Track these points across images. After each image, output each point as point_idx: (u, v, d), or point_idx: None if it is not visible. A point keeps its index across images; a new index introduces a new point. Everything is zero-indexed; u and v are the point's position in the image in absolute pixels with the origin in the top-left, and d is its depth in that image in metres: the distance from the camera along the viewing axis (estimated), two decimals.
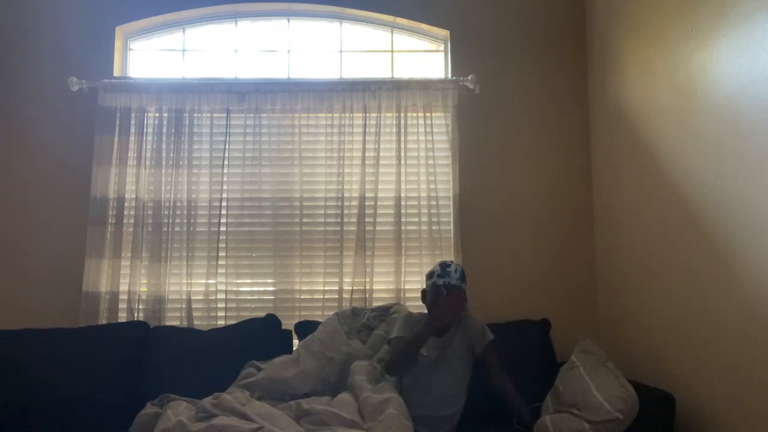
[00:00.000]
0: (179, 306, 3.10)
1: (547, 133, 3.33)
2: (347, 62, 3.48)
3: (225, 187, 3.20)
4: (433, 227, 3.17)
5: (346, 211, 3.17)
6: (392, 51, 3.52)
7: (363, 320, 2.78)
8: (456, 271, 2.42)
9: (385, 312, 2.81)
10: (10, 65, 3.26)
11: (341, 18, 3.50)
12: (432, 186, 3.20)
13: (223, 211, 3.18)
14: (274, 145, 3.26)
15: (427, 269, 3.12)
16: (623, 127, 2.95)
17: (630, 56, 2.89)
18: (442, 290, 2.38)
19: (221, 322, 3.07)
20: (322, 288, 3.15)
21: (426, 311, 2.52)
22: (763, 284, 1.99)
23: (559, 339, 2.98)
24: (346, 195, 3.19)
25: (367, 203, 3.17)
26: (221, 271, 3.14)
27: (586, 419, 2.19)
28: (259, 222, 3.21)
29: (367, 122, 3.23)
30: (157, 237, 3.11)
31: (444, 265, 2.44)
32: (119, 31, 3.36)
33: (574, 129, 3.35)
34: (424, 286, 2.53)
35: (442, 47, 3.52)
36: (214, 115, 3.24)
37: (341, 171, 3.19)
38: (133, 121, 3.20)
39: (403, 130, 3.23)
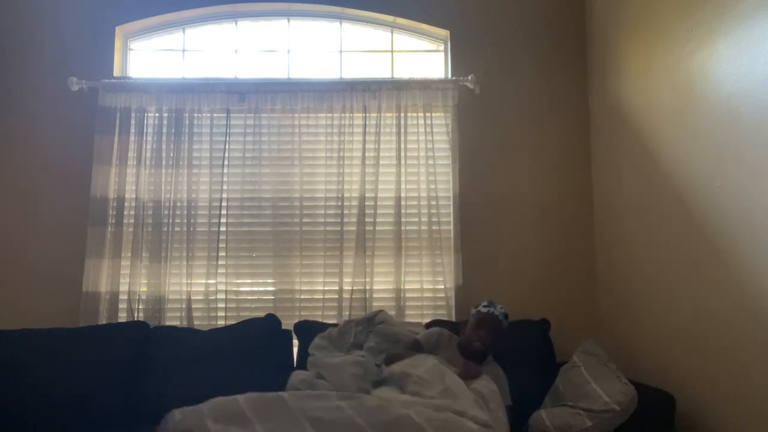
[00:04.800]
0: (179, 306, 3.10)
1: (547, 133, 3.33)
2: (347, 62, 3.48)
3: (225, 187, 3.20)
4: (433, 227, 3.17)
5: (346, 211, 3.17)
6: (392, 51, 3.52)
7: (351, 339, 2.67)
8: (502, 308, 2.58)
9: (370, 323, 2.69)
10: (10, 65, 3.26)
11: (341, 18, 3.50)
12: (432, 186, 3.20)
13: (223, 211, 3.18)
14: (274, 145, 3.25)
15: (426, 269, 3.16)
16: (623, 127, 2.95)
17: (630, 56, 2.89)
18: (485, 316, 2.52)
19: (221, 322, 3.06)
20: (322, 288, 3.15)
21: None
22: (763, 284, 1.99)
23: (559, 339, 2.98)
24: (346, 195, 3.19)
25: (367, 203, 3.17)
26: (221, 271, 3.14)
27: (582, 408, 2.21)
28: (259, 222, 3.21)
29: (367, 122, 3.23)
30: (157, 237, 3.11)
31: (492, 302, 2.60)
32: (119, 31, 3.36)
33: (574, 129, 3.35)
34: (465, 320, 2.65)
35: (442, 47, 3.52)
36: (214, 115, 3.24)
37: (341, 171, 3.19)
38: (133, 121, 3.20)
39: (403, 130, 3.23)
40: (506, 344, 2.75)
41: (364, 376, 2.31)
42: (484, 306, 2.58)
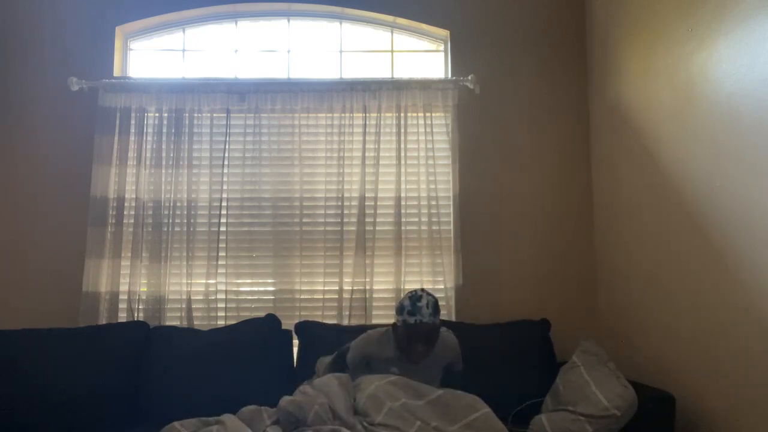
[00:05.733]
0: (179, 306, 3.10)
1: (547, 133, 3.33)
2: (347, 62, 3.48)
3: (225, 187, 3.20)
4: (433, 227, 3.17)
5: (346, 211, 3.17)
6: (392, 51, 3.52)
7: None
8: (428, 306, 2.27)
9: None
10: (10, 65, 3.26)
11: (341, 18, 3.50)
12: (432, 186, 3.20)
13: (223, 211, 3.18)
14: (274, 145, 3.25)
15: (426, 269, 3.15)
16: (623, 127, 2.95)
17: (630, 56, 2.89)
18: (415, 327, 2.26)
19: (221, 322, 3.06)
20: (322, 288, 3.15)
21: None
22: (763, 284, 1.99)
23: (559, 339, 2.98)
24: (346, 195, 3.19)
25: (367, 203, 3.17)
26: (221, 271, 3.14)
27: (582, 413, 2.20)
28: (259, 222, 3.21)
29: (367, 122, 3.23)
30: (157, 237, 3.11)
31: (414, 299, 2.29)
32: (119, 31, 3.36)
33: (574, 129, 3.35)
34: (395, 321, 2.37)
35: (442, 47, 3.52)
36: (214, 115, 3.24)
37: (341, 171, 3.19)
38: (133, 121, 3.20)
39: (403, 130, 3.23)
40: (506, 344, 2.75)
41: None
42: (409, 313, 2.25)
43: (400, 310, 2.31)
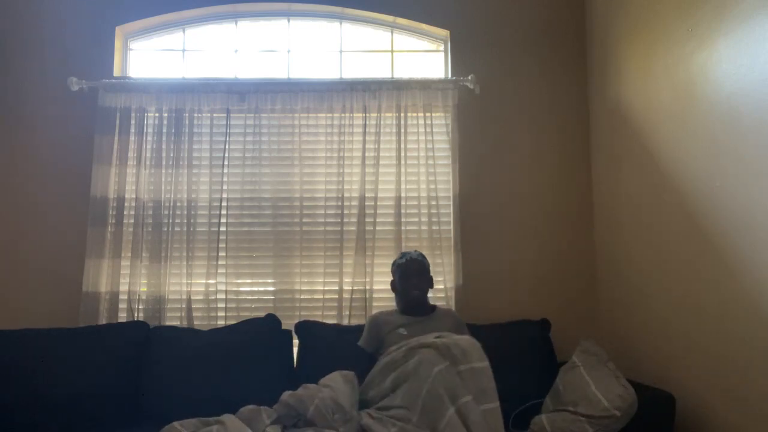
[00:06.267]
0: (179, 306, 3.10)
1: (547, 133, 3.33)
2: (347, 62, 3.48)
3: (225, 187, 3.19)
4: (433, 227, 3.17)
5: (346, 211, 3.17)
6: (392, 51, 3.52)
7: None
8: (414, 251, 2.71)
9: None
10: (10, 65, 3.26)
11: (341, 18, 3.50)
12: (432, 186, 3.20)
13: (223, 211, 3.18)
14: (274, 145, 3.25)
15: None
16: (623, 127, 2.95)
17: (630, 56, 2.89)
18: (406, 263, 2.63)
19: (221, 322, 3.06)
20: (322, 288, 3.15)
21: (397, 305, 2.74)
22: (763, 284, 1.99)
23: (559, 339, 2.98)
24: (346, 195, 3.19)
25: (367, 203, 3.17)
26: (221, 271, 3.14)
27: (582, 414, 2.20)
28: (259, 222, 3.21)
29: (367, 122, 3.23)
30: (157, 237, 3.11)
31: (403, 252, 2.74)
32: (119, 31, 3.36)
33: (574, 129, 3.35)
34: (392, 280, 2.74)
35: (442, 47, 3.52)
36: (214, 115, 3.24)
37: (341, 171, 3.19)
38: (133, 121, 3.20)
39: (403, 130, 3.23)
40: (506, 344, 2.75)
41: None
42: (399, 258, 2.69)
43: (393, 264, 2.74)
